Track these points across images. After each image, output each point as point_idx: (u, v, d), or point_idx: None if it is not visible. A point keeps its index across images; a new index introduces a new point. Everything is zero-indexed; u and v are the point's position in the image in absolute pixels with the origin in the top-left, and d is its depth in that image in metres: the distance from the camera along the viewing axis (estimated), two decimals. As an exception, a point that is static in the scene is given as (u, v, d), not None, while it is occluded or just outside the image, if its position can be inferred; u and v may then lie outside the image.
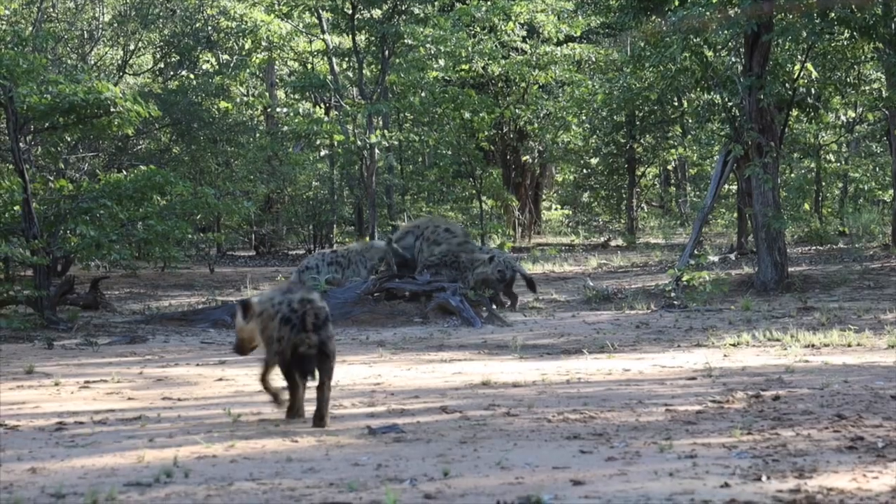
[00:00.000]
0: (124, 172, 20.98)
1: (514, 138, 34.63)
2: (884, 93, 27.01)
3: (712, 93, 22.19)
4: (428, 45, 28.71)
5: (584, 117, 34.49)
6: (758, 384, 10.70)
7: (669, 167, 43.12)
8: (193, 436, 8.49)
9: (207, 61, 35.51)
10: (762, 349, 13.67)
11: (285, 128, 31.61)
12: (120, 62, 33.80)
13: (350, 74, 32.29)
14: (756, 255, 21.72)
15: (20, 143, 18.55)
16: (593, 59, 33.13)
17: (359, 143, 28.10)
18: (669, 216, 40.72)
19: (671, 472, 7.02)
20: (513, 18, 31.05)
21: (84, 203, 18.64)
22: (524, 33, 31.81)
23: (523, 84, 33.20)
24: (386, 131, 28.72)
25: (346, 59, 31.69)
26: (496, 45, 30.66)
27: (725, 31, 20.32)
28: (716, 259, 25.04)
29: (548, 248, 31.08)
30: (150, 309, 20.38)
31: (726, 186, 30.37)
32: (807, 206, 32.92)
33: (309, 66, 35.11)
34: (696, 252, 22.37)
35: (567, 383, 11.12)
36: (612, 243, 33.18)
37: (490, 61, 30.83)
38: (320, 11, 30.02)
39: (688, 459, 7.41)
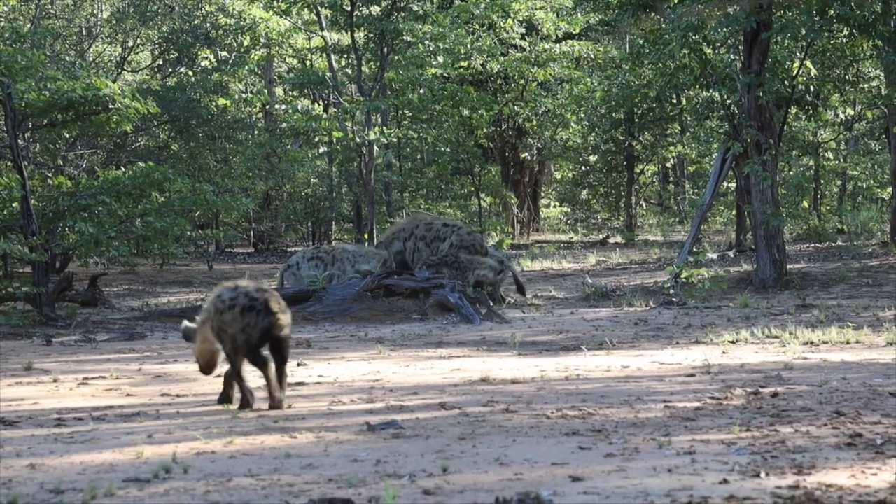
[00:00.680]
0: (123, 169, 20.96)
1: (513, 135, 34.63)
2: (883, 90, 27.01)
3: (711, 90, 22.21)
4: (427, 42, 28.71)
5: (582, 114, 34.49)
6: (756, 381, 10.70)
7: (668, 164, 43.14)
8: (192, 432, 8.49)
9: (206, 58, 35.49)
10: (761, 346, 13.68)
11: (284, 125, 31.61)
12: (118, 59, 33.81)
13: (349, 71, 32.30)
14: (755, 253, 21.73)
15: (19, 140, 18.54)
16: (592, 57, 33.12)
17: (357, 139, 28.10)
18: (668, 213, 40.74)
19: (670, 469, 7.03)
20: (512, 15, 31.04)
21: (83, 200, 18.64)
22: (523, 30, 31.81)
23: (522, 81, 33.20)
24: (385, 128, 28.73)
25: (345, 55, 31.68)
26: (495, 42, 30.66)
27: (724, 29, 20.33)
28: (714, 256, 25.05)
29: (546, 246, 31.09)
30: (149, 306, 20.38)
31: (725, 184, 30.42)
32: (805, 204, 32.94)
33: (308, 62, 35.10)
34: (694, 249, 22.39)
35: (566, 380, 11.12)
36: (611, 240, 33.18)
37: (489, 58, 30.82)
38: (319, 8, 30.01)
39: (686, 456, 7.41)
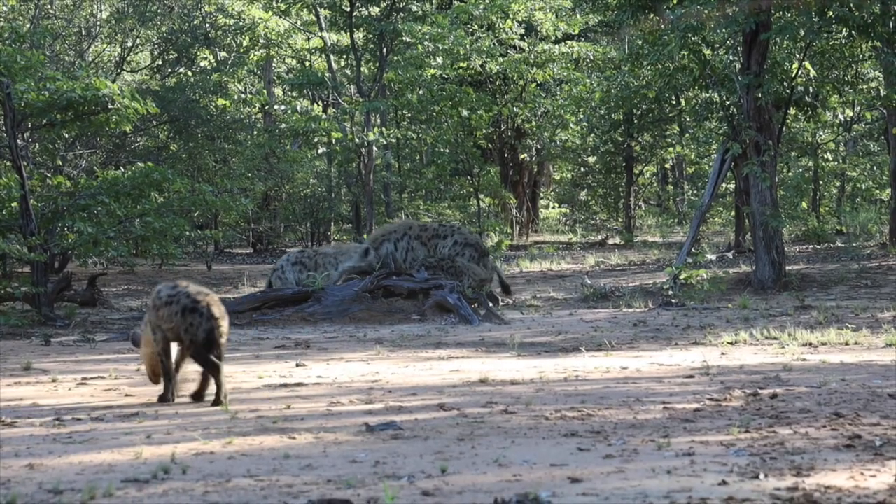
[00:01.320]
0: (122, 169, 20.95)
1: (512, 136, 34.64)
2: (881, 91, 27.02)
3: (710, 91, 22.20)
4: (426, 43, 28.72)
5: (581, 115, 34.50)
6: (755, 382, 10.70)
7: (667, 165, 43.14)
8: (191, 432, 8.48)
9: (205, 58, 35.51)
10: (760, 347, 13.68)
11: (283, 125, 31.65)
12: (118, 59, 33.80)
13: (348, 72, 32.32)
14: (754, 254, 21.73)
15: (18, 140, 18.54)
16: (591, 57, 33.14)
17: (357, 140, 28.11)
18: (667, 214, 40.74)
19: (669, 470, 7.02)
20: (511, 16, 31.07)
21: (82, 200, 18.64)
22: (522, 31, 31.83)
23: (521, 82, 33.22)
24: (384, 129, 28.74)
25: (344, 56, 31.70)
26: (494, 43, 30.67)
27: (724, 30, 20.33)
28: (713, 257, 25.06)
29: (545, 247, 31.10)
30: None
31: (724, 185, 30.42)
32: (804, 205, 32.95)
33: (307, 63, 35.13)
34: (693, 250, 22.39)
35: (565, 381, 11.12)
36: (610, 241, 33.18)
37: (488, 59, 30.84)
38: (318, 9, 30.03)
39: (686, 457, 7.41)
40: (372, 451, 7.79)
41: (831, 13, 20.03)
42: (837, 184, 35.33)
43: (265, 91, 35.66)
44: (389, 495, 6.38)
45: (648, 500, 6.34)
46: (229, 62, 34.44)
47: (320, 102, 33.75)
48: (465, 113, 31.67)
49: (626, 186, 36.62)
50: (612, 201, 39.74)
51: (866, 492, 6.47)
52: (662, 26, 21.04)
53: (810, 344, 13.78)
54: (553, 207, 41.84)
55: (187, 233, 21.44)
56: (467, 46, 29.55)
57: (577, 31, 32.69)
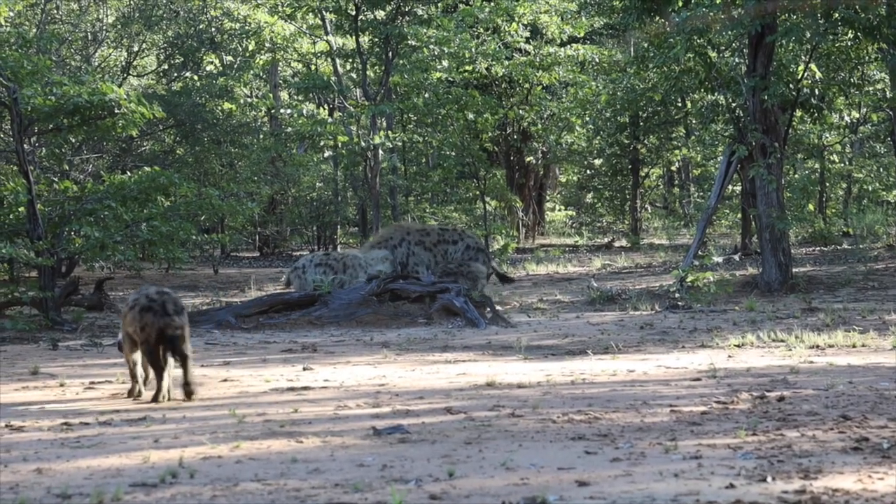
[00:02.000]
0: (128, 174, 20.99)
1: (518, 139, 34.65)
2: (888, 93, 27.03)
3: (716, 93, 22.22)
4: (431, 46, 28.74)
5: (587, 118, 34.51)
6: (762, 385, 10.69)
7: (673, 168, 43.13)
8: (198, 436, 8.49)
9: (211, 63, 35.55)
10: (767, 350, 13.67)
11: (289, 129, 31.66)
12: (124, 64, 33.85)
13: (354, 76, 32.35)
14: (760, 256, 21.73)
15: (25, 145, 18.57)
16: (597, 60, 33.12)
17: (362, 144, 28.13)
18: (673, 217, 40.73)
19: (676, 473, 7.02)
20: (516, 19, 31.08)
21: (88, 204, 18.67)
22: (528, 34, 31.83)
23: (527, 85, 33.22)
24: (390, 132, 28.75)
25: (350, 60, 31.72)
26: (500, 46, 30.67)
27: (729, 32, 20.35)
28: (720, 260, 25.04)
29: (551, 249, 31.10)
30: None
31: (730, 187, 30.36)
32: (811, 207, 32.91)
33: (313, 67, 35.17)
34: (700, 253, 22.39)
35: (572, 384, 11.11)
36: (616, 244, 33.17)
37: (494, 62, 30.84)
38: (324, 13, 30.06)
39: (693, 460, 7.40)
40: (379, 454, 7.79)
41: (837, 15, 20.03)
42: (844, 186, 35.31)
43: (271, 95, 35.69)
44: (397, 499, 6.38)
45: (655, 503, 6.34)
46: (235, 66, 34.48)
47: (326, 106, 33.77)
48: (470, 116, 31.67)
49: (632, 189, 36.63)
50: (618, 204, 39.74)
51: (874, 495, 6.47)
52: (668, 29, 21.05)
53: (817, 346, 13.77)
54: (559, 210, 41.86)
55: (194, 237, 21.47)
56: (473, 50, 29.56)
57: (582, 34, 32.69)
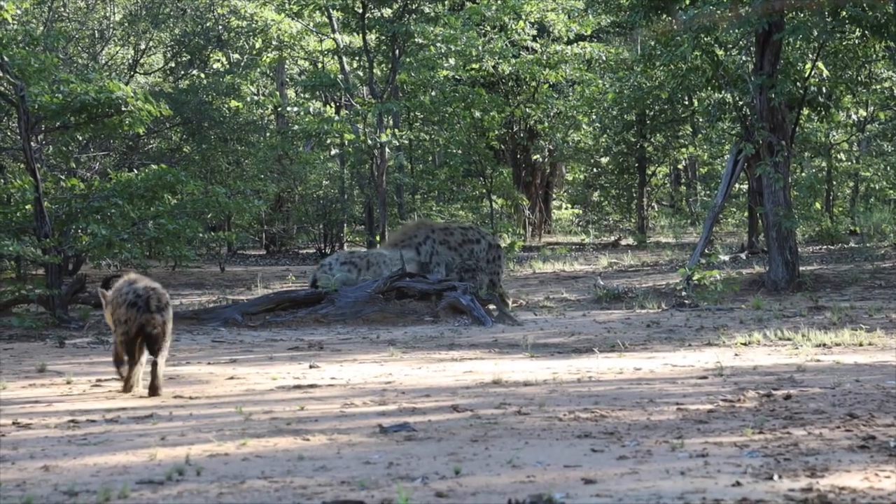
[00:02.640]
0: (135, 171, 21.01)
1: (525, 137, 34.63)
2: (895, 91, 26.96)
3: (723, 92, 22.17)
4: (438, 44, 28.72)
5: (594, 116, 34.48)
6: (769, 383, 10.69)
7: (680, 166, 43.11)
8: (205, 434, 8.50)
9: (218, 60, 35.58)
10: (773, 348, 13.66)
11: (296, 127, 31.66)
12: (131, 61, 33.89)
13: (360, 73, 32.33)
14: (767, 255, 21.70)
15: (32, 143, 18.59)
16: (604, 58, 33.11)
17: (369, 142, 28.13)
18: (680, 215, 40.70)
19: (683, 471, 7.02)
20: (523, 17, 31.06)
21: (95, 202, 18.69)
22: (534, 32, 31.82)
23: (534, 83, 33.21)
24: (396, 130, 28.75)
25: (357, 58, 31.73)
26: (506, 44, 30.66)
27: (736, 30, 20.31)
28: (727, 258, 25.02)
29: (558, 248, 31.09)
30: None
31: (737, 185, 30.37)
32: (818, 206, 32.88)
33: (319, 65, 35.20)
34: (706, 251, 22.37)
35: (578, 382, 11.11)
36: (623, 242, 33.16)
37: (500, 60, 30.83)
38: (330, 10, 30.05)
39: (699, 458, 7.40)
40: (385, 452, 7.80)
41: (844, 13, 20.00)
42: (851, 184, 35.26)
43: (278, 93, 35.72)
44: (403, 497, 6.39)
45: (662, 502, 6.34)
46: (242, 64, 34.50)
47: (333, 104, 33.78)
48: (477, 114, 31.68)
49: (638, 187, 36.59)
50: (624, 202, 39.70)
51: (881, 493, 6.46)
52: (675, 27, 21.03)
53: (824, 345, 13.75)
54: (566, 208, 41.84)
55: (201, 235, 21.47)
56: (480, 47, 29.54)
57: (589, 32, 32.68)
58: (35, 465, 7.54)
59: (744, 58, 21.92)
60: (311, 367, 12.61)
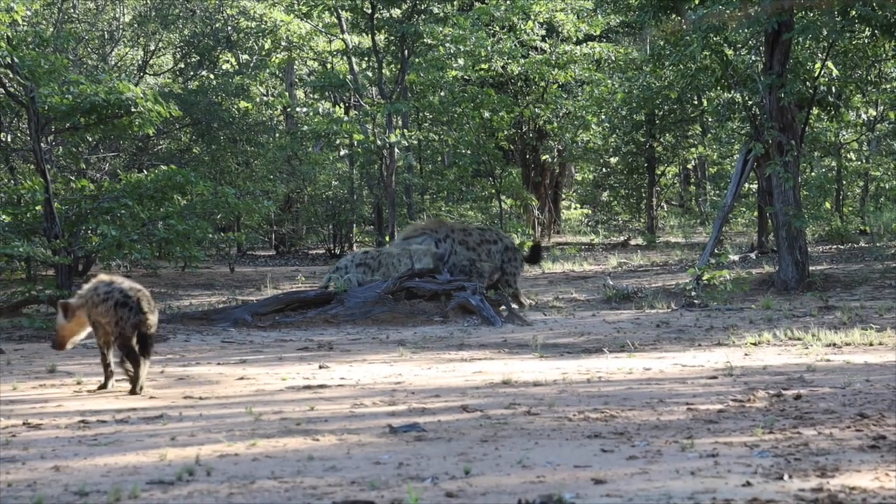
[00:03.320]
0: (145, 172, 21.03)
1: (534, 137, 34.63)
2: (905, 91, 26.92)
3: (732, 91, 22.16)
4: (447, 45, 28.73)
5: (603, 116, 34.45)
6: (779, 383, 10.68)
7: (689, 166, 43.07)
8: (215, 434, 8.51)
9: (227, 61, 35.61)
10: (783, 348, 13.64)
11: (305, 127, 31.70)
12: (140, 62, 33.92)
13: (369, 74, 32.37)
14: (777, 254, 21.68)
15: (42, 144, 18.62)
16: (613, 58, 33.09)
17: (378, 142, 28.14)
18: (689, 215, 40.67)
19: (693, 471, 7.01)
20: (532, 17, 31.06)
21: (105, 203, 18.73)
22: (543, 32, 31.81)
23: (543, 83, 33.19)
24: (405, 131, 28.76)
25: (366, 58, 31.75)
26: (515, 45, 30.65)
27: (746, 30, 20.29)
28: (736, 258, 24.99)
29: (567, 248, 31.08)
30: (171, 308, 20.42)
31: (747, 185, 30.35)
32: (828, 205, 32.83)
33: (328, 65, 35.21)
34: (716, 251, 22.35)
35: (588, 382, 11.11)
36: (632, 242, 33.14)
37: (509, 60, 30.83)
38: (340, 11, 30.08)
39: (709, 458, 7.39)
40: (395, 452, 7.80)
41: (854, 13, 19.97)
42: (861, 184, 35.20)
43: (287, 93, 35.75)
44: (413, 497, 6.39)
45: (672, 502, 6.33)
46: (251, 65, 34.53)
47: (342, 104, 33.79)
48: (486, 114, 31.67)
49: (648, 187, 36.57)
50: (634, 202, 39.68)
51: (891, 492, 6.45)
52: (684, 27, 21.01)
53: (834, 344, 13.73)
54: (575, 208, 41.82)
55: (210, 235, 21.51)
56: (489, 48, 29.54)
57: (598, 32, 32.65)
58: (46, 466, 7.55)
59: (753, 57, 21.89)
60: (320, 367, 12.62)
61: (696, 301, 19.15)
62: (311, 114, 30.78)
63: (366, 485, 6.83)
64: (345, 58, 32.15)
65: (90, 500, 6.63)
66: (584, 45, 32.33)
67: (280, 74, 36.91)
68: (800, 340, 14.13)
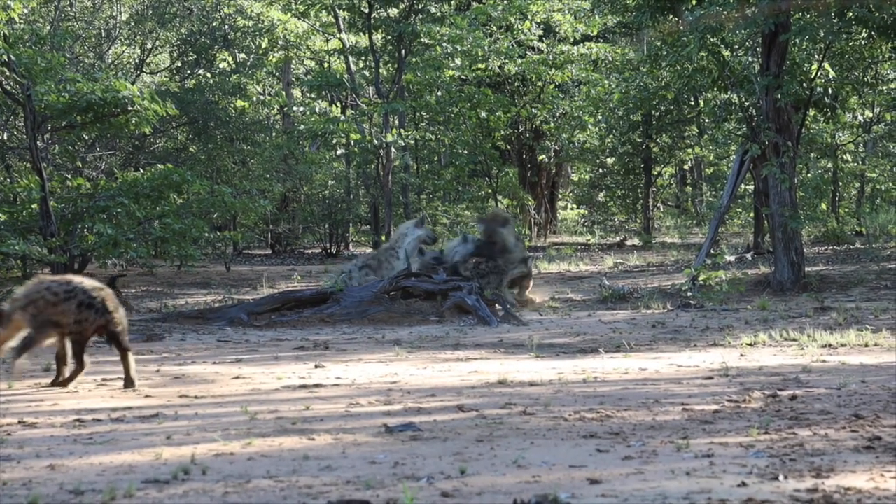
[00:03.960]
0: (141, 171, 21.04)
1: (531, 137, 34.62)
2: (901, 92, 26.95)
3: (729, 92, 22.17)
4: (444, 44, 28.74)
5: (600, 117, 34.44)
6: (775, 384, 10.68)
7: (686, 167, 43.05)
8: (211, 433, 8.51)
9: (224, 60, 35.58)
10: (779, 349, 13.65)
11: (302, 126, 31.69)
12: (137, 61, 33.90)
13: (366, 73, 32.36)
14: (773, 255, 21.69)
15: (38, 142, 18.62)
16: (610, 59, 33.10)
17: (375, 142, 28.14)
18: (686, 216, 40.67)
19: (688, 472, 7.02)
20: (529, 17, 31.07)
21: (101, 201, 18.72)
22: (541, 32, 31.81)
23: (539, 83, 33.20)
24: (402, 130, 28.76)
25: (363, 57, 31.74)
26: (512, 45, 30.66)
27: (743, 31, 20.30)
28: (732, 259, 24.98)
29: (563, 248, 31.06)
30: (167, 307, 20.41)
31: (743, 186, 30.35)
32: (824, 206, 32.83)
33: (325, 64, 35.21)
34: (712, 251, 22.34)
35: (583, 382, 11.11)
36: (628, 243, 33.14)
37: (506, 60, 30.83)
38: (337, 10, 30.07)
39: (705, 458, 7.40)
40: (391, 452, 7.80)
41: (851, 14, 19.99)
42: (857, 185, 35.23)
43: (284, 92, 35.73)
44: (409, 496, 6.39)
45: (668, 502, 6.34)
46: (248, 64, 34.51)
47: (339, 104, 33.78)
48: (483, 114, 31.67)
49: (644, 188, 36.56)
50: (630, 202, 39.69)
51: (886, 493, 6.46)
52: (681, 27, 21.03)
53: (830, 345, 13.75)
54: (571, 209, 41.83)
55: (206, 234, 21.51)
56: (486, 48, 29.54)
57: (595, 33, 32.65)
58: (41, 464, 7.55)
59: (750, 58, 21.91)
60: (316, 366, 12.62)
61: (692, 301, 19.16)
62: (307, 113, 30.79)
63: (361, 484, 6.83)
64: (342, 57, 32.14)
65: (85, 498, 6.63)
66: (581, 45, 32.34)
67: (277, 73, 36.89)
68: (795, 341, 14.15)
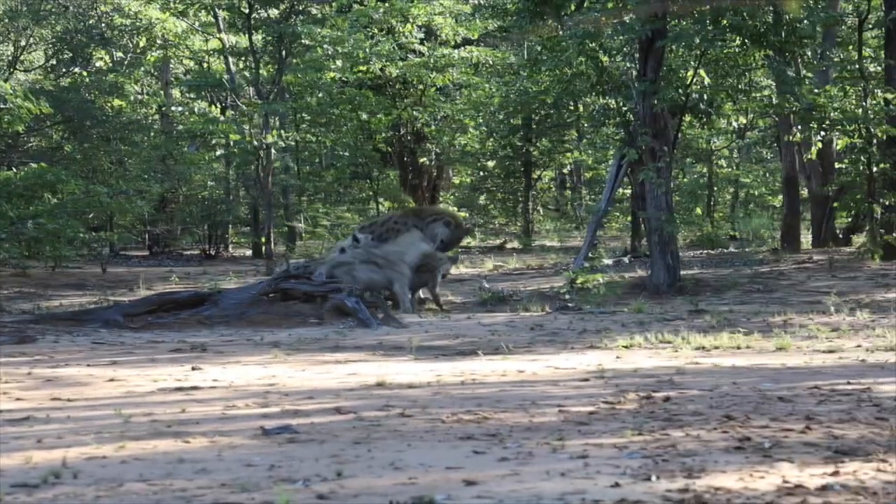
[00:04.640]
0: (14, 170, 20.61)
1: (412, 140, 34.66)
2: (774, 100, 27.49)
3: (607, 97, 22.41)
4: (325, 46, 28.65)
5: (480, 120, 34.65)
6: (649, 385, 10.80)
7: (565, 171, 43.51)
8: (83, 436, 8.36)
9: (101, 58, 35.04)
10: (654, 351, 13.82)
11: (180, 127, 31.36)
12: (10, 58, 33.22)
13: (247, 74, 32.11)
14: (649, 259, 21.97)
15: None
16: (490, 63, 33.29)
17: (255, 143, 27.94)
18: (565, 219, 41.09)
19: (563, 472, 7.06)
20: (410, 20, 31.10)
21: (-28, 201, 18.31)
22: (422, 35, 31.87)
23: (421, 86, 33.25)
24: (283, 131, 28.60)
25: (243, 58, 31.50)
26: (394, 47, 30.68)
27: (620, 37, 20.56)
28: (610, 262, 25.28)
29: (444, 250, 31.12)
30: (40, 308, 20.00)
31: (621, 190, 30.73)
32: (699, 211, 33.42)
33: (205, 64, 34.87)
34: (590, 255, 22.58)
35: (462, 384, 11.14)
36: (508, 245, 33.37)
37: (388, 63, 30.83)
38: (216, 10, 29.79)
39: (580, 459, 7.45)
40: (267, 454, 7.74)
41: (726, 22, 20.35)
42: (731, 190, 35.91)
43: (162, 92, 35.31)
44: (284, 499, 6.34)
45: (543, 502, 6.37)
46: (126, 63, 34.04)
47: (218, 104, 33.47)
48: (364, 116, 31.66)
49: (524, 191, 36.86)
50: (510, 206, 39.96)
51: (755, 493, 6.57)
52: (560, 32, 21.21)
53: (703, 348, 13.94)
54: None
55: (81, 235, 21.17)
56: (367, 50, 29.51)
57: (476, 37, 32.83)
58: None
59: (628, 64, 22.19)
60: (193, 368, 12.47)
61: (570, 304, 19.33)
62: (186, 113, 30.46)
63: (236, 487, 6.77)
64: (221, 57, 31.87)
65: (-49, 504, 6.48)
66: (462, 48, 32.48)
67: (155, 73, 36.44)
68: (670, 343, 14.33)
